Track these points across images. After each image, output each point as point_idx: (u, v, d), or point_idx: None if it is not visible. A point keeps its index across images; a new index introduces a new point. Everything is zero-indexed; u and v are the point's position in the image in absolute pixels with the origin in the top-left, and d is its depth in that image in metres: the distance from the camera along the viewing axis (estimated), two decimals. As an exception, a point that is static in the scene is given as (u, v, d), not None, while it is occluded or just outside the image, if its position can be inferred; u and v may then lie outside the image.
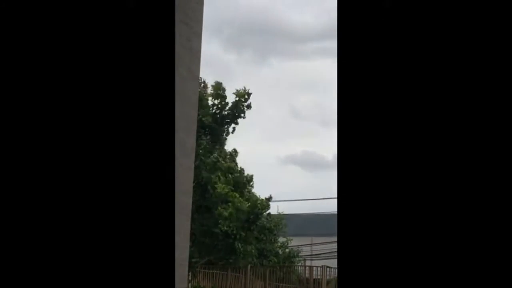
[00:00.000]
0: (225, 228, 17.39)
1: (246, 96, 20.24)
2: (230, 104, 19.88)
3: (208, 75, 20.25)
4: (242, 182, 19.97)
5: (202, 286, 16.30)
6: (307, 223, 30.70)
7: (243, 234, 17.65)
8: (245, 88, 20.28)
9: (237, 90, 20.28)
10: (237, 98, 20.16)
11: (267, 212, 20.03)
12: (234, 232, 17.52)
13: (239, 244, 17.82)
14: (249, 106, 20.25)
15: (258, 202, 18.85)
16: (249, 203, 18.50)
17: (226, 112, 19.84)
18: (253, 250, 18.51)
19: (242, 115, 20.40)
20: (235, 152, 20.77)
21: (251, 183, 20.34)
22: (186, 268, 4.45)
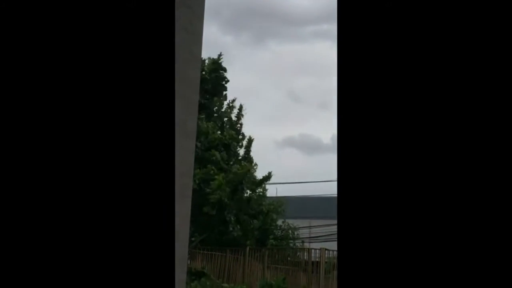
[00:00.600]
0: (216, 197, 17.38)
1: (220, 61, 20.43)
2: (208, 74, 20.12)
3: (205, 57, 20.40)
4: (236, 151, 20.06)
5: (201, 268, 16.36)
6: (305, 206, 30.76)
7: (229, 202, 17.64)
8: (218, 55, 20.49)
9: (209, 57, 20.54)
10: (213, 68, 20.33)
11: (261, 190, 20.07)
12: (225, 201, 17.52)
13: (232, 218, 17.83)
14: (224, 69, 20.49)
15: (249, 171, 18.86)
16: (241, 169, 18.50)
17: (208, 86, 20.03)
18: (249, 227, 18.51)
19: (223, 82, 20.59)
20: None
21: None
22: (187, 250, 4.47)
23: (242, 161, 19.89)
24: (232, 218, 18.10)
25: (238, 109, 20.90)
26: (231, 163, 19.69)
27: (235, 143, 20.32)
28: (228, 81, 21.32)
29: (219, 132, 19.84)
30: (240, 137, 20.84)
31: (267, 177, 20.30)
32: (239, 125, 21.06)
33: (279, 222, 21.38)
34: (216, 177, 18.05)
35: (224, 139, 19.57)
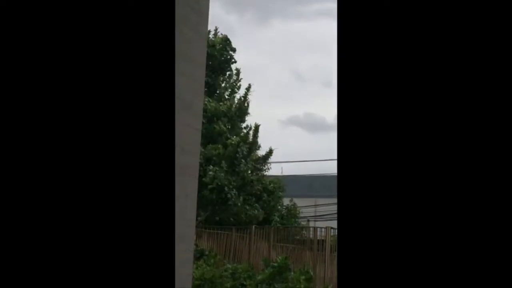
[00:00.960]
0: (214, 171, 17.40)
1: (227, 41, 20.41)
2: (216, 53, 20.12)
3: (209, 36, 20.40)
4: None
5: (208, 248, 16.45)
6: (311, 184, 30.82)
7: (226, 177, 17.64)
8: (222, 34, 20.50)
9: (215, 36, 20.54)
10: (220, 45, 20.31)
11: (265, 168, 20.10)
12: (222, 176, 17.53)
13: (232, 194, 17.85)
14: (234, 50, 20.50)
15: (247, 142, 18.88)
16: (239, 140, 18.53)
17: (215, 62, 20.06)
18: (249, 205, 18.54)
19: (232, 61, 20.60)
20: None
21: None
22: (194, 229, 4.50)
23: (242, 135, 19.86)
24: (234, 196, 18.11)
25: (246, 89, 20.86)
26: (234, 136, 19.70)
27: (239, 118, 20.30)
28: (235, 61, 21.29)
29: (221, 104, 19.82)
30: (248, 115, 20.80)
31: (269, 154, 20.29)
32: (246, 104, 21.02)
33: (285, 201, 21.44)
34: (214, 151, 18.09)
35: (227, 111, 19.56)
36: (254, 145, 19.90)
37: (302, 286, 12.44)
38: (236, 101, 20.79)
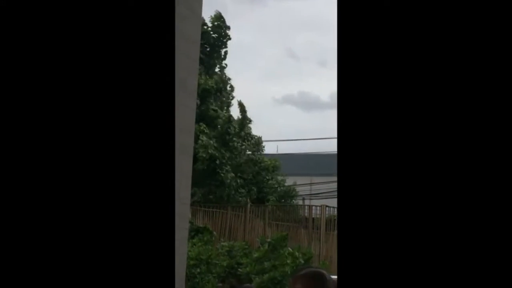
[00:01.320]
0: (203, 143, 17.39)
1: (222, 19, 20.36)
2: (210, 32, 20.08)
3: (203, 14, 20.21)
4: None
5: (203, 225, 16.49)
6: (306, 163, 30.88)
7: (218, 154, 17.64)
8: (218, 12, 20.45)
9: (211, 16, 20.50)
10: (215, 23, 20.26)
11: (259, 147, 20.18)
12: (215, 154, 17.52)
13: (226, 173, 17.85)
14: (228, 27, 20.47)
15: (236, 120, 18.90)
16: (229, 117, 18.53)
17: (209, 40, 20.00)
18: (236, 182, 18.54)
19: (225, 40, 20.56)
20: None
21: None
22: (188, 207, 4.51)
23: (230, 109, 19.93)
24: (228, 175, 18.14)
25: (224, 59, 20.85)
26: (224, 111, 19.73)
27: (223, 90, 20.34)
28: (230, 39, 21.23)
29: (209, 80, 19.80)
30: (229, 88, 20.82)
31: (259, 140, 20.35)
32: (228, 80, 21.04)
33: (279, 179, 21.49)
34: (203, 128, 18.09)
35: (212, 86, 19.54)
36: (244, 120, 19.93)
37: (289, 261, 12.50)
38: (220, 79, 20.81)
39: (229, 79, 21.14)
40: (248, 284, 9.34)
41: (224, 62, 21.24)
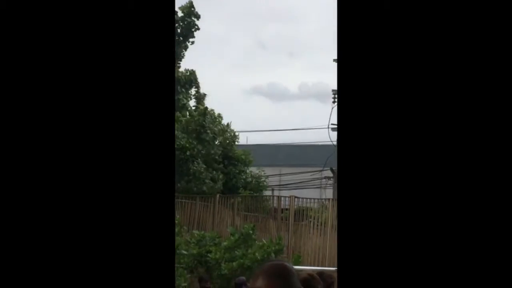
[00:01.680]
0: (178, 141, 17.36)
1: (192, 8, 20.25)
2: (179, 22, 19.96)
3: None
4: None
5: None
6: (276, 154, 30.93)
7: (188, 145, 17.61)
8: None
9: (182, 5, 20.41)
10: (184, 11, 20.14)
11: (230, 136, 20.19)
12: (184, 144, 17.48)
13: (194, 164, 17.81)
14: (197, 16, 20.38)
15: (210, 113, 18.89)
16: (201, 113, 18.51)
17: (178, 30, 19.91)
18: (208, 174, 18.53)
19: (193, 30, 20.46)
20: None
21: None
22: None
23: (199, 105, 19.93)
24: (199, 166, 18.09)
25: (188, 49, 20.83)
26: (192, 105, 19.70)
27: (193, 82, 20.32)
28: (198, 29, 21.12)
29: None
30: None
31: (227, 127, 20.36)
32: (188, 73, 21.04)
33: (249, 170, 21.51)
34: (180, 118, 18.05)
35: (180, 77, 19.48)
36: (213, 111, 19.93)
37: (257, 254, 12.55)
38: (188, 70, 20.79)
39: (193, 70, 21.12)
40: (241, 277, 9.30)
41: (192, 52, 21.21)
